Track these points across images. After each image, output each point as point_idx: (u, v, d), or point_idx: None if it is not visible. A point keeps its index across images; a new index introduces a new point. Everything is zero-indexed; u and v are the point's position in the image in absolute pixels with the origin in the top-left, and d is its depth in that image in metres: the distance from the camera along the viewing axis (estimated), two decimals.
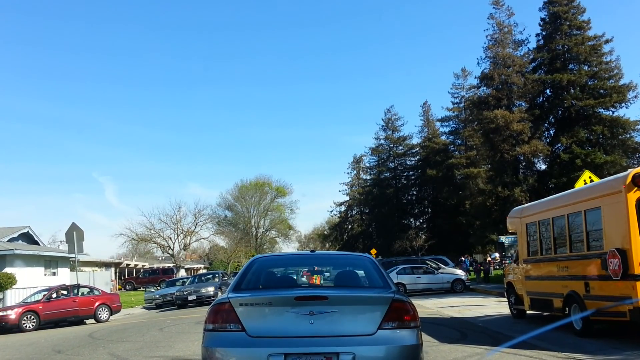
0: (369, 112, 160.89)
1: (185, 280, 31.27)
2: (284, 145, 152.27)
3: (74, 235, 26.51)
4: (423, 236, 61.63)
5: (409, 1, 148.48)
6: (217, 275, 27.76)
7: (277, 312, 5.04)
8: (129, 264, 54.76)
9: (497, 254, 24.07)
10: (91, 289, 23.98)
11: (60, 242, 68.29)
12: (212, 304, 5.41)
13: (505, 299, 22.94)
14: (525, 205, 16.42)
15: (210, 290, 25.47)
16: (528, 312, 15.99)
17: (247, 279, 6.03)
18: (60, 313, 22.14)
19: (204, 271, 74.12)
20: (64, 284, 23.93)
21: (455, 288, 27.89)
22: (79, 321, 23.03)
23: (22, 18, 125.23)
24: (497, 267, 39.89)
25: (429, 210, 74.35)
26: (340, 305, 5.06)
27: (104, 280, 40.61)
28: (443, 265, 31.39)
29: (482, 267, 32.27)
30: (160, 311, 26.75)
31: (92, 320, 23.22)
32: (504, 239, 35.95)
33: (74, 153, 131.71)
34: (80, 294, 23.22)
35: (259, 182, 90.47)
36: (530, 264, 14.98)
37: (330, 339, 4.84)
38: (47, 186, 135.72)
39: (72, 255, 36.57)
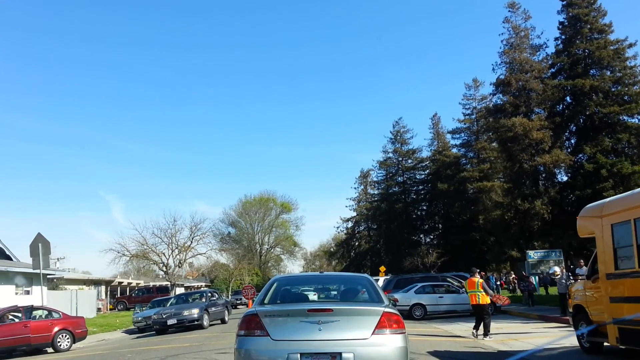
0: (375, 129, 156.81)
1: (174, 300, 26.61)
2: (289, 163, 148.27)
3: (39, 247, 22.14)
4: (435, 253, 56.73)
5: (414, 16, 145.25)
6: (204, 294, 23.14)
7: (293, 321, 6.20)
8: (122, 282, 50.16)
9: (557, 268, 19.21)
10: (50, 312, 19.43)
11: (58, 259, 63.93)
12: (243, 315, 6.61)
13: (555, 325, 18.42)
14: (609, 199, 11.88)
15: (194, 312, 20.72)
16: (606, 344, 11.50)
17: (269, 295, 7.23)
18: (7, 341, 17.35)
19: (205, 289, 69.62)
20: (16, 306, 19.46)
21: None
22: (34, 351, 18.53)
23: (30, 38, 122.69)
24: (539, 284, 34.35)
25: (440, 226, 69.50)
26: (342, 315, 6.21)
27: (90, 300, 36.07)
28: None
29: (539, 285, 27.16)
30: (137, 337, 22.17)
31: (52, 349, 18.73)
32: (533, 254, 31.38)
33: (79, 171, 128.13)
34: (34, 317, 18.70)
35: (263, 197, 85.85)
36: (619, 280, 10.44)
37: (335, 342, 5.97)
38: (53, 204, 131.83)
39: (51, 272, 32.28)
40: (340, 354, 5.87)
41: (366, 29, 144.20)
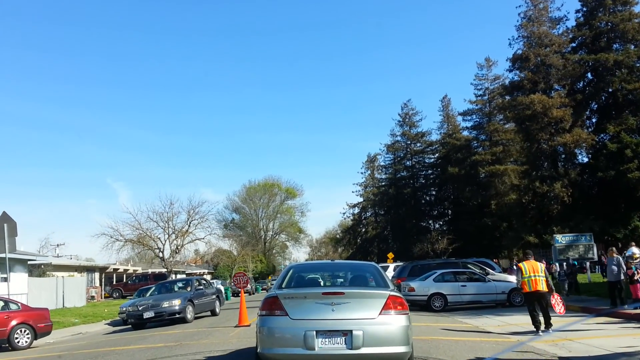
0: (382, 116, 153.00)
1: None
2: (295, 151, 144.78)
3: (5, 229, 18.99)
4: (446, 239, 53.23)
5: (416, 3, 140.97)
6: (190, 283, 19.45)
7: (309, 302, 6.69)
8: (118, 269, 46.99)
9: (635, 249, 15.53)
10: (6, 303, 16.22)
11: (58, 245, 60.93)
12: (264, 297, 7.04)
13: (607, 320, 15.09)
14: None
15: (175, 304, 17.09)
16: None
17: (286, 280, 7.73)
18: None
19: (208, 277, 66.22)
20: None
21: (514, 300, 19.86)
22: None
23: (41, 25, 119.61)
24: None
25: (450, 211, 66.00)
26: (352, 298, 6.74)
27: (79, 287, 32.98)
28: (491, 270, 23.30)
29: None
30: (113, 332, 18.84)
31: (10, 347, 15.58)
32: (560, 239, 27.92)
33: (87, 158, 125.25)
34: None
35: (268, 183, 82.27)
36: None
37: (346, 321, 6.48)
38: (60, 191, 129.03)
39: (32, 257, 29.18)
40: (351, 331, 6.37)
41: (371, 15, 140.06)
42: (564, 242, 27.51)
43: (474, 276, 20.66)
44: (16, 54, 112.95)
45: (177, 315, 17.10)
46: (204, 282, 20.71)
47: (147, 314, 16.89)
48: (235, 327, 15.33)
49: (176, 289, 19.33)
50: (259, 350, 6.80)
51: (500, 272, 24.60)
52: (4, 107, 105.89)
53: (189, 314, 17.46)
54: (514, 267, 35.55)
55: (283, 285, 7.55)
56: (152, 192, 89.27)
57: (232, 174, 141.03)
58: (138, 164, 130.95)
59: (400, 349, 6.53)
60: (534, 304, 12.60)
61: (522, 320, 15.60)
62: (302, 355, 6.40)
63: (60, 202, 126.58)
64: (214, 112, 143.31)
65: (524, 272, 12.63)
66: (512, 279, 23.83)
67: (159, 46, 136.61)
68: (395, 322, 6.56)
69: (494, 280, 20.80)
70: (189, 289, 18.79)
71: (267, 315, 6.71)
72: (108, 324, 23.50)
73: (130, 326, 18.74)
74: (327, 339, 6.39)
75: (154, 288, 19.87)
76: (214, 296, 20.21)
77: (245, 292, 48.08)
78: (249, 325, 15.35)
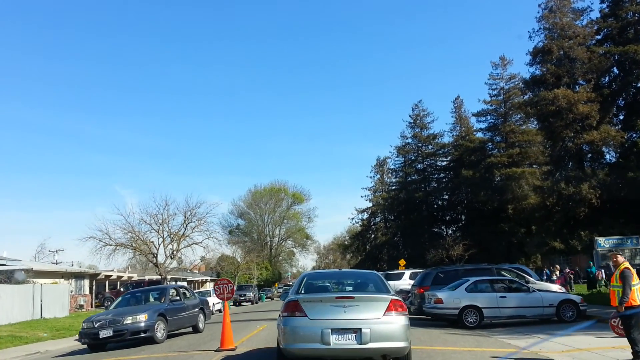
0: (392, 122, 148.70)
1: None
2: (303, 159, 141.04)
3: None
4: (462, 245, 49.01)
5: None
6: (164, 293, 15.20)
7: (325, 305, 7.65)
8: (111, 276, 43.08)
9: None
10: None
11: (56, 251, 57.25)
12: (286, 301, 8.04)
13: None
14: None
15: (141, 320, 13.05)
16: None
17: (302, 286, 8.69)
18: None
19: (211, 285, 62.08)
20: None
21: (564, 315, 15.88)
22: None
23: (50, 33, 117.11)
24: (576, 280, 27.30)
25: (463, 217, 61.71)
26: (361, 301, 7.72)
27: (61, 296, 29.17)
28: (531, 279, 19.21)
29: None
30: (68, 354, 14.70)
31: None
32: (603, 242, 23.87)
33: (96, 167, 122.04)
34: None
35: (274, 187, 78.18)
36: None
37: (356, 321, 7.45)
38: (69, 200, 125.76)
39: (1, 262, 25.37)
40: (360, 329, 7.38)
41: (380, 16, 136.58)
42: (607, 245, 23.51)
43: (514, 285, 16.61)
44: (30, 61, 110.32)
45: (143, 335, 13.03)
46: (184, 291, 16.52)
47: (104, 333, 12.80)
48: (217, 350, 11.43)
49: (151, 299, 15.28)
50: (281, 346, 7.68)
51: (539, 281, 20.48)
52: (9, 113, 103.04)
53: (159, 332, 13.38)
54: (546, 274, 31.63)
55: (299, 291, 8.45)
56: (158, 198, 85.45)
57: (239, 181, 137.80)
58: (145, 171, 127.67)
59: (401, 344, 7.57)
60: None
61: (590, 343, 11.64)
62: (320, 349, 7.40)
63: (68, 210, 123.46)
64: (220, 119, 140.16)
65: (634, 279, 8.58)
66: (555, 287, 19.91)
67: (165, 52, 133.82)
68: (397, 321, 7.57)
69: (539, 290, 16.74)
70: (162, 300, 14.67)
71: (289, 316, 7.64)
72: (78, 340, 19.53)
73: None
74: (340, 336, 7.40)
75: (120, 299, 15.82)
76: (196, 309, 16.08)
77: (247, 301, 44.17)
78: (234, 349, 11.44)
